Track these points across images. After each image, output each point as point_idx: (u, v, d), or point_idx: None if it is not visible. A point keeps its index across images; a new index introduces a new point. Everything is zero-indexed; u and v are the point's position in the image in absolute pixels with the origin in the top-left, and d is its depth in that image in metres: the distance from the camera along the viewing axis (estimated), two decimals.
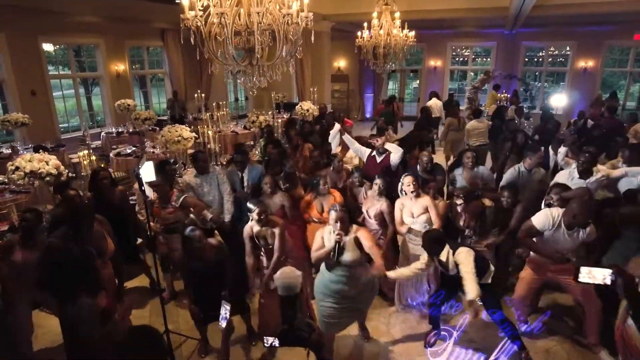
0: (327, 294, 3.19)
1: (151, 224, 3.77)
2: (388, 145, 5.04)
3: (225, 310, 3.11)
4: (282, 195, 4.19)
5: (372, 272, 3.18)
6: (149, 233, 3.55)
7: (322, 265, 3.24)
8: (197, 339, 3.65)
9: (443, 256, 3.27)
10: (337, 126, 5.60)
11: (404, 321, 4.02)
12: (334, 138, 5.80)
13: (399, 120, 10.92)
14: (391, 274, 3.34)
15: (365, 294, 3.28)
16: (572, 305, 4.13)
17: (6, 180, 5.27)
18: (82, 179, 5.28)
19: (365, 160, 5.26)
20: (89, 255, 2.73)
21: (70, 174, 5.33)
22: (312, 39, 3.70)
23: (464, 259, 3.15)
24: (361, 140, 5.58)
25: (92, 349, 2.50)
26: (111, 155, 7.31)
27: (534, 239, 3.45)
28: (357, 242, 3.10)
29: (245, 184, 4.61)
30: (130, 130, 9.12)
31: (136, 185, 4.09)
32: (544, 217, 3.35)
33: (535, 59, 14.91)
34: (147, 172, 3.18)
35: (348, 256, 3.07)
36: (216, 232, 4.74)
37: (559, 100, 11.82)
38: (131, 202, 4.65)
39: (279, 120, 9.01)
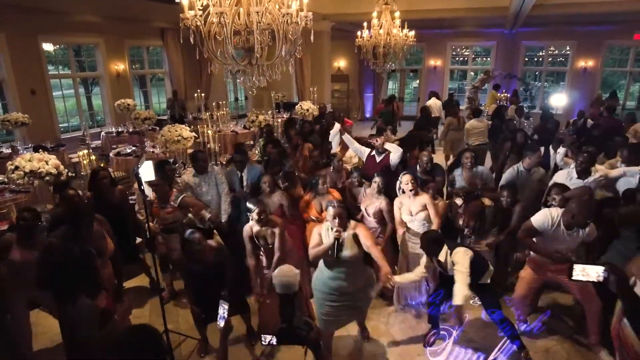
0: (326, 291, 3.18)
1: (150, 224, 3.78)
2: (388, 145, 5.04)
3: (223, 309, 3.11)
4: (281, 194, 4.19)
5: (381, 281, 3.18)
6: (148, 233, 3.55)
7: (321, 263, 3.23)
8: (196, 338, 3.65)
9: (441, 256, 3.27)
10: (337, 126, 5.61)
11: (403, 321, 4.03)
12: (334, 137, 5.81)
13: (398, 120, 10.92)
14: (397, 279, 3.34)
15: (363, 291, 3.27)
16: (572, 304, 4.13)
17: (6, 179, 5.27)
18: (82, 178, 5.28)
19: (364, 160, 5.27)
20: (89, 255, 2.73)
21: (70, 174, 5.33)
22: (312, 38, 3.70)
23: (459, 259, 3.15)
24: (360, 141, 5.58)
25: (91, 349, 2.50)
26: (111, 155, 7.32)
27: (534, 239, 3.45)
28: (356, 239, 3.09)
29: (245, 183, 4.61)
30: (130, 130, 9.13)
31: (136, 185, 4.09)
32: (543, 217, 3.35)
33: (535, 59, 14.91)
34: (146, 171, 3.18)
35: (347, 252, 3.06)
36: (215, 232, 4.75)
37: (559, 100, 11.82)
38: (131, 201, 4.65)
39: (279, 120, 9.01)
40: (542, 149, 5.24)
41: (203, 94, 10.39)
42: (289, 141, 6.31)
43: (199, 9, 2.95)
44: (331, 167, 4.93)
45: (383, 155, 4.98)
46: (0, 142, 8.69)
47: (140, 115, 8.80)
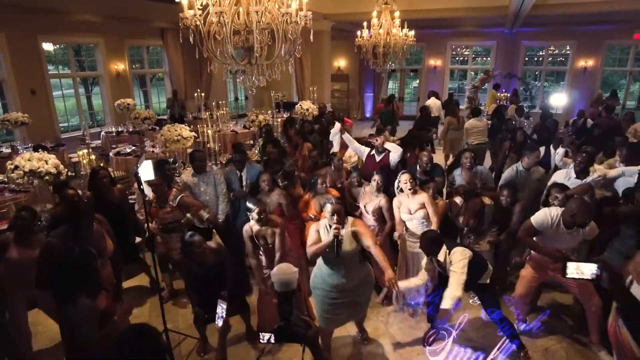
0: (325, 288, 3.18)
1: (150, 225, 3.78)
2: (387, 144, 5.05)
3: (221, 309, 3.11)
4: (280, 193, 4.20)
5: (385, 286, 3.19)
6: (147, 233, 3.56)
7: (319, 260, 3.22)
8: (196, 337, 3.65)
9: (441, 256, 3.28)
10: (337, 125, 5.59)
11: (403, 320, 4.03)
12: (335, 137, 5.80)
13: (397, 120, 10.92)
14: (402, 284, 3.34)
15: (362, 287, 3.25)
16: (571, 304, 4.14)
17: (6, 179, 5.28)
18: (82, 178, 5.28)
19: (364, 159, 5.27)
20: (89, 255, 2.72)
21: (69, 174, 5.33)
22: (311, 38, 3.70)
23: (456, 259, 3.16)
24: (360, 141, 5.59)
25: (91, 349, 2.50)
26: (111, 154, 7.33)
27: (535, 238, 3.46)
28: (355, 236, 3.09)
29: (244, 183, 4.61)
30: (130, 129, 9.14)
31: (136, 185, 4.09)
32: (543, 217, 3.36)
33: (535, 58, 14.91)
34: (146, 170, 3.18)
35: (346, 248, 3.04)
36: (214, 232, 4.76)
37: (559, 100, 11.82)
38: (131, 201, 4.66)
39: (279, 120, 9.02)
40: (543, 148, 5.25)
41: (203, 94, 10.40)
42: (288, 141, 6.32)
43: (199, 9, 2.95)
44: (332, 167, 4.93)
45: (383, 154, 4.98)
46: (0, 141, 8.69)
47: (140, 114, 8.81)
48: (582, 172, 4.24)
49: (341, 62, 15.46)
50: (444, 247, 3.28)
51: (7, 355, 3.15)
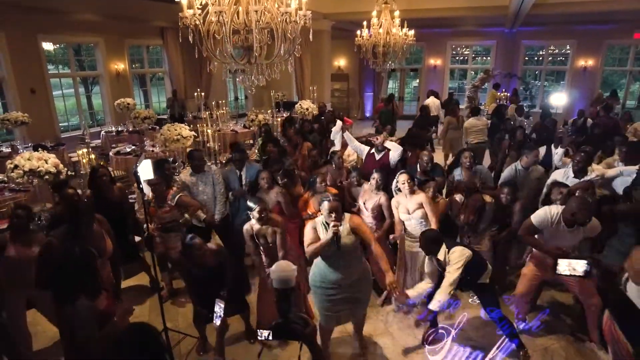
0: (324, 286, 3.16)
1: (150, 225, 3.78)
2: (388, 143, 5.05)
3: (219, 308, 3.11)
4: (278, 190, 4.20)
5: (386, 290, 3.22)
6: (146, 232, 3.56)
7: (318, 257, 3.21)
8: (195, 336, 3.66)
9: (440, 255, 3.28)
10: (339, 123, 5.59)
11: (402, 319, 4.03)
12: (337, 135, 5.79)
13: (396, 120, 10.93)
14: (411, 293, 3.37)
15: (361, 282, 3.24)
16: (571, 303, 4.14)
17: (5, 178, 5.28)
18: (82, 177, 5.29)
19: (363, 158, 5.27)
20: (90, 256, 2.71)
21: (69, 173, 5.33)
22: (311, 37, 3.70)
23: (454, 259, 3.17)
24: (360, 140, 5.59)
25: (91, 350, 2.50)
26: (111, 154, 7.33)
27: (536, 236, 3.47)
28: (354, 232, 3.09)
29: (244, 182, 4.62)
30: (130, 129, 9.14)
31: (136, 184, 4.10)
32: (543, 215, 3.37)
33: (535, 58, 14.91)
34: (145, 170, 3.18)
35: (345, 241, 3.04)
36: (214, 232, 4.76)
37: (559, 99, 11.83)
38: (131, 200, 4.66)
39: (279, 119, 9.02)
40: (545, 148, 5.26)
41: (203, 93, 10.40)
42: (288, 140, 6.32)
43: (198, 8, 2.95)
44: (332, 165, 4.93)
45: (382, 153, 4.99)
46: (0, 141, 8.70)
47: (140, 114, 8.81)
48: (580, 172, 4.25)
49: (341, 62, 15.46)
50: (444, 246, 3.28)
51: (7, 355, 3.15)
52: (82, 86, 11.51)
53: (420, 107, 9.59)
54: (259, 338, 1.74)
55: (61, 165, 4.72)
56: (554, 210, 3.36)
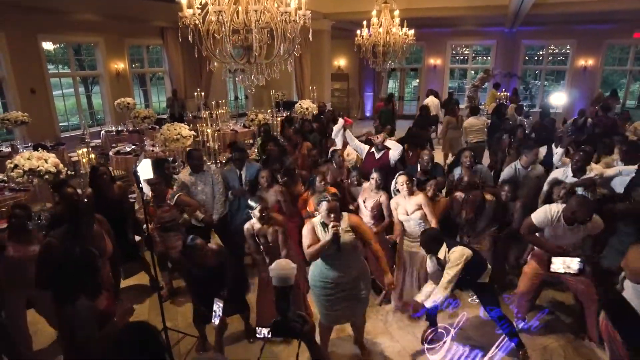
0: (323, 285, 3.16)
1: (150, 225, 3.79)
2: (388, 142, 5.06)
3: (218, 307, 3.11)
4: (278, 189, 4.20)
5: (385, 289, 3.23)
6: (146, 232, 3.56)
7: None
8: (195, 336, 3.66)
9: (441, 254, 3.28)
10: (340, 121, 5.56)
11: (401, 319, 4.04)
12: (338, 134, 5.77)
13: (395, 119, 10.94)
14: (420, 297, 3.38)
15: (360, 280, 3.23)
16: (570, 302, 4.14)
17: (5, 178, 5.29)
18: (82, 177, 5.30)
19: (363, 157, 5.28)
20: (91, 256, 2.70)
21: (69, 172, 5.34)
22: (310, 37, 3.70)
23: (455, 259, 3.17)
24: (359, 139, 5.60)
25: (91, 350, 2.50)
26: (111, 153, 7.34)
27: (537, 234, 3.48)
28: (353, 231, 3.10)
29: (244, 181, 4.62)
30: (130, 128, 9.14)
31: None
32: (543, 214, 3.39)
33: (535, 58, 14.91)
34: (145, 169, 3.19)
35: (345, 240, 3.04)
36: (213, 231, 4.77)
37: (559, 99, 11.83)
38: (131, 200, 4.67)
39: (278, 119, 9.02)
40: (545, 147, 5.27)
41: (203, 93, 10.40)
42: (287, 140, 6.33)
43: (198, 8, 2.95)
44: (333, 164, 4.94)
45: (382, 152, 4.99)
46: (0, 140, 8.70)
47: (140, 114, 8.81)
48: (579, 171, 4.26)
49: (341, 61, 15.46)
50: (444, 246, 3.28)
51: (7, 355, 3.15)
52: (82, 86, 11.51)
53: (420, 107, 9.60)
54: (258, 336, 1.75)
55: (61, 165, 4.73)
56: (554, 209, 3.36)
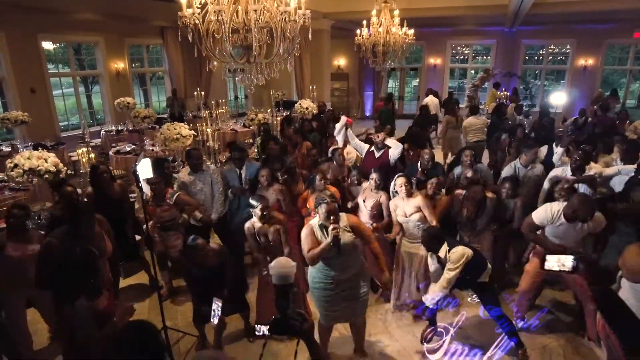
0: (323, 286, 3.15)
1: (149, 224, 3.79)
2: (388, 141, 5.06)
3: (216, 306, 3.12)
4: (277, 188, 4.21)
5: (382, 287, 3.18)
6: (146, 233, 3.57)
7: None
8: (194, 335, 3.67)
9: (441, 253, 3.29)
10: (343, 118, 5.54)
11: (401, 318, 4.04)
12: (340, 131, 5.77)
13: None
14: (427, 297, 3.37)
15: (359, 277, 3.22)
16: (569, 302, 4.15)
17: (5, 177, 5.29)
18: (82, 176, 5.30)
19: (363, 155, 5.28)
20: (91, 256, 2.70)
21: (69, 172, 5.34)
22: (310, 36, 3.70)
23: (455, 258, 3.17)
24: (359, 138, 5.60)
25: (90, 350, 2.50)
26: (111, 153, 7.34)
27: (538, 232, 3.50)
28: (352, 231, 3.10)
29: (244, 180, 4.62)
30: (130, 128, 9.15)
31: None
32: (543, 213, 3.41)
33: (535, 57, 14.90)
34: (144, 169, 3.19)
35: (345, 240, 3.04)
36: (212, 230, 4.77)
37: (559, 98, 11.83)
38: (131, 199, 4.67)
39: (278, 119, 9.02)
40: (546, 147, 5.28)
41: (203, 93, 10.40)
42: (287, 140, 6.33)
43: (197, 7, 2.96)
44: (334, 162, 4.94)
45: (382, 151, 4.99)
46: (0, 140, 8.71)
47: (140, 113, 8.80)
48: (578, 170, 4.26)
49: (341, 61, 15.46)
50: (445, 245, 3.28)
51: (7, 355, 3.15)
52: (82, 85, 11.50)
53: (420, 107, 9.60)
54: (257, 333, 1.76)
55: (61, 165, 4.73)
56: (555, 207, 3.38)
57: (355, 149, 5.53)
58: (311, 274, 3.24)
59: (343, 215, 3.15)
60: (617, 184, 4.19)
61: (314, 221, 3.14)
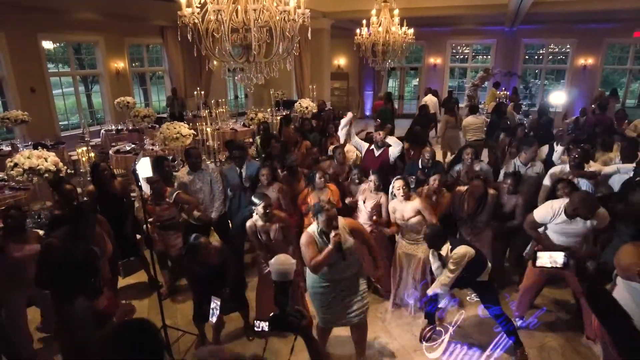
0: (323, 291, 3.13)
1: (149, 224, 3.79)
2: (389, 139, 5.06)
3: (215, 305, 3.12)
4: (278, 187, 4.21)
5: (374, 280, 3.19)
6: (146, 233, 3.57)
7: None
8: (194, 334, 3.67)
9: (443, 251, 3.30)
10: (349, 114, 5.50)
11: (400, 317, 4.05)
12: (344, 127, 5.75)
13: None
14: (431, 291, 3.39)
15: (358, 275, 3.22)
16: (568, 301, 4.15)
17: (5, 177, 5.30)
18: (82, 175, 5.31)
19: (362, 153, 5.28)
20: (92, 256, 2.70)
21: (69, 171, 5.35)
22: (309, 35, 3.71)
23: (456, 257, 3.18)
24: (359, 136, 5.60)
25: (90, 350, 2.51)
26: (110, 152, 7.34)
27: (540, 230, 3.51)
28: (351, 233, 3.10)
29: (244, 179, 4.63)
30: (130, 127, 9.15)
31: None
32: (544, 211, 3.43)
33: (535, 57, 14.90)
34: (144, 168, 3.19)
35: (347, 245, 3.03)
36: (212, 229, 4.77)
37: (558, 98, 11.83)
38: (132, 198, 4.68)
39: (278, 118, 9.03)
40: (547, 146, 5.29)
41: (203, 92, 10.40)
42: (287, 139, 6.33)
43: (197, 7, 2.96)
44: (334, 161, 4.95)
45: (382, 149, 4.99)
46: (0, 139, 8.71)
47: (140, 113, 8.81)
48: (577, 168, 4.26)
49: (341, 61, 15.46)
50: (448, 243, 3.29)
51: (7, 356, 3.16)
52: (82, 85, 11.51)
53: (420, 107, 9.61)
54: (256, 329, 1.77)
55: (61, 164, 4.74)
56: (557, 204, 3.39)
57: (355, 147, 5.53)
58: (310, 278, 3.19)
59: (340, 218, 3.13)
60: (617, 183, 4.19)
61: (313, 228, 3.08)
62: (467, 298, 3.85)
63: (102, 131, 9.12)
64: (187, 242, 3.31)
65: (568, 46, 13.65)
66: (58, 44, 11.41)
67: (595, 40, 12.73)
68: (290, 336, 1.71)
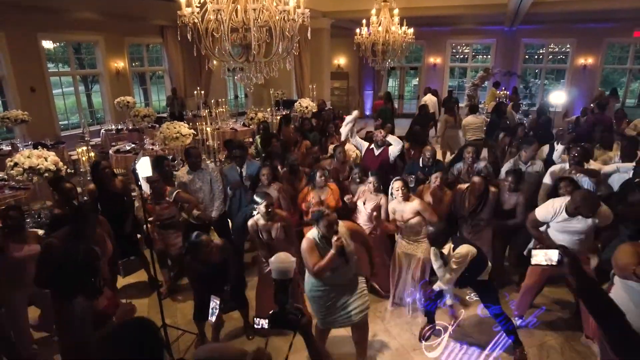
0: (322, 295, 3.12)
1: (149, 223, 3.80)
2: (389, 137, 5.06)
3: (214, 304, 3.13)
4: (277, 187, 4.22)
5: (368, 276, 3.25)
6: (147, 233, 3.58)
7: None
8: (194, 333, 3.68)
9: (445, 250, 3.30)
10: (355, 112, 5.48)
11: (400, 316, 4.06)
12: (347, 125, 5.76)
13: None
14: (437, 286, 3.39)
15: (357, 275, 3.22)
16: (567, 300, 4.16)
17: (5, 176, 5.30)
18: (82, 175, 5.31)
19: (362, 152, 5.29)
20: (92, 256, 2.70)
21: (69, 171, 5.36)
22: (309, 35, 3.71)
23: (459, 256, 3.18)
24: (359, 135, 5.61)
25: (89, 350, 2.51)
26: (110, 152, 7.34)
27: (542, 229, 3.52)
28: (350, 236, 3.11)
29: (244, 178, 4.63)
30: (130, 127, 9.15)
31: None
32: (545, 209, 3.45)
33: (535, 56, 14.90)
34: (144, 167, 3.19)
35: (348, 249, 3.03)
36: (212, 229, 4.78)
37: (558, 98, 11.84)
38: (132, 197, 4.68)
39: (278, 117, 9.03)
40: (547, 146, 5.30)
41: (202, 92, 10.40)
42: (286, 138, 6.33)
43: (197, 6, 2.97)
44: (335, 160, 4.95)
45: (382, 148, 4.99)
46: (0, 139, 8.72)
47: (140, 112, 8.82)
48: (577, 166, 4.27)
49: (341, 60, 15.47)
50: (450, 242, 3.29)
51: (7, 356, 3.16)
52: (82, 84, 11.51)
53: (420, 106, 9.62)
54: (256, 327, 1.78)
55: (61, 163, 4.75)
56: (557, 203, 3.40)
57: (355, 146, 5.53)
58: (309, 285, 3.17)
59: (340, 223, 3.12)
60: (617, 182, 4.19)
61: (313, 234, 3.07)
62: (467, 297, 3.85)
63: (102, 131, 9.12)
64: (189, 240, 3.31)
65: (568, 46, 13.65)
66: (58, 44, 11.42)
67: (595, 40, 12.73)
68: (291, 334, 1.71)
